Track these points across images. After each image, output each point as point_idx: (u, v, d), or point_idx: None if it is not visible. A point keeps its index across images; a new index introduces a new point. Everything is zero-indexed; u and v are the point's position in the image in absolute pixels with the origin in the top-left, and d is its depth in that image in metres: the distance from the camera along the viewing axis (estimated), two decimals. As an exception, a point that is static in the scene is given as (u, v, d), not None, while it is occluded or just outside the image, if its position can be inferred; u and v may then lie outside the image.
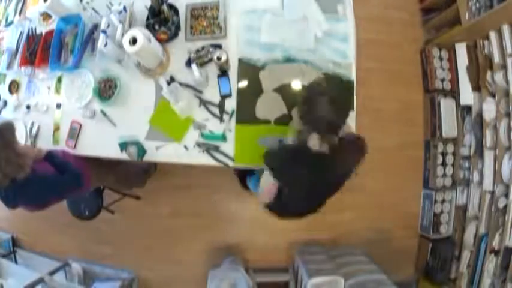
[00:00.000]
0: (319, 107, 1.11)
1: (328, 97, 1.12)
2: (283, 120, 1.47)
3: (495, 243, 1.98)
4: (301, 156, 1.18)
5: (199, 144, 1.50)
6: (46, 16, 1.77)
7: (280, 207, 1.31)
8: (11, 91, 1.80)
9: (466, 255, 2.18)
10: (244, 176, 2.16)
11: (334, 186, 1.24)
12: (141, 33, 1.35)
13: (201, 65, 1.50)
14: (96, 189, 2.04)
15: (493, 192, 2.02)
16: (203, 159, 1.50)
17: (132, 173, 2.07)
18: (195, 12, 1.59)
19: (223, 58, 1.40)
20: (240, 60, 1.51)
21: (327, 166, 1.16)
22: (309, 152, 1.14)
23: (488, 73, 2.10)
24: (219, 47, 1.51)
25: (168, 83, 1.48)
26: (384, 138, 2.48)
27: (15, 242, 2.70)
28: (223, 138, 1.48)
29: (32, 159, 1.32)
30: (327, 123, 1.12)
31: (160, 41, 1.51)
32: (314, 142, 1.14)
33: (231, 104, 1.50)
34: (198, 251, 2.47)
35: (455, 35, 2.29)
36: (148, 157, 1.54)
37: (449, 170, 2.35)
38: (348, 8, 1.53)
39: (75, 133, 1.62)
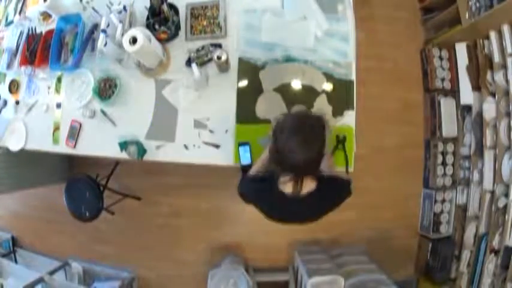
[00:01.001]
0: (286, 147, 0.94)
1: (299, 136, 0.93)
2: (283, 120, 1.47)
3: (495, 242, 1.98)
4: (268, 193, 1.08)
5: (199, 144, 1.50)
6: (46, 16, 1.77)
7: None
8: (11, 91, 1.80)
9: (466, 255, 2.18)
10: None
11: (303, 220, 1.19)
12: (141, 32, 1.35)
13: (201, 64, 1.50)
14: (96, 190, 2.04)
15: (493, 192, 2.02)
16: (203, 158, 1.50)
17: None
18: (195, 12, 1.59)
19: (223, 57, 1.39)
20: (240, 60, 1.51)
21: (295, 210, 1.08)
22: (277, 191, 1.04)
23: (488, 73, 2.09)
24: (219, 46, 1.51)
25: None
26: (384, 137, 2.48)
27: (15, 242, 2.71)
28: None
29: None
30: (296, 167, 0.97)
31: (160, 40, 1.51)
32: (283, 186, 1.03)
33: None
34: (198, 251, 2.48)
35: (455, 35, 2.29)
36: (148, 157, 1.54)
37: (449, 170, 2.35)
38: (348, 7, 1.53)
39: (75, 132, 1.63)
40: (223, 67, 1.48)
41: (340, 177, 1.19)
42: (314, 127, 0.98)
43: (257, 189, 1.15)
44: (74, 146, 1.63)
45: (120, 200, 2.35)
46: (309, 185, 1.04)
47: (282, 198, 1.05)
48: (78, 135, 1.63)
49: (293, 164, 0.96)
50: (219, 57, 1.40)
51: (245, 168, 1.44)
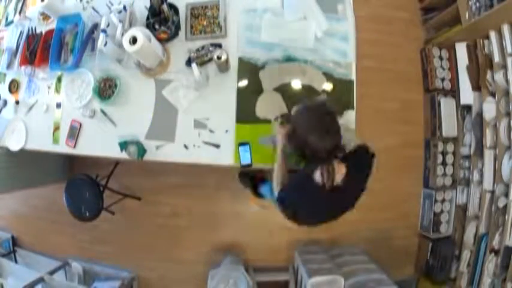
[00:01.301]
0: (311, 143, 0.99)
1: (318, 128, 1.00)
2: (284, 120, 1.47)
3: (495, 242, 1.98)
4: (311, 192, 1.10)
5: (199, 144, 1.50)
6: (46, 15, 1.77)
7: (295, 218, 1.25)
8: (11, 90, 1.80)
9: (466, 255, 2.18)
10: (256, 185, 2.18)
11: (350, 206, 1.22)
12: (141, 32, 1.35)
13: (201, 64, 1.51)
14: (96, 190, 2.04)
15: (493, 192, 2.02)
16: (203, 158, 1.50)
17: None
18: (195, 12, 1.59)
19: (223, 57, 1.39)
20: (240, 60, 1.52)
21: (339, 197, 1.11)
22: (316, 187, 1.07)
23: (489, 73, 2.10)
24: (219, 46, 1.51)
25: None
26: (384, 137, 2.48)
27: (15, 242, 2.71)
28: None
29: None
30: (325, 154, 1.01)
31: (160, 40, 1.51)
32: (320, 178, 1.05)
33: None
34: (198, 250, 2.47)
35: (455, 35, 2.29)
36: (148, 157, 1.54)
37: (449, 170, 2.35)
38: (348, 7, 1.53)
39: (75, 132, 1.63)
40: (223, 67, 1.48)
41: (357, 146, 1.21)
42: (326, 113, 1.04)
43: (299, 195, 1.15)
44: (74, 146, 1.63)
45: (120, 200, 2.35)
46: (340, 170, 1.06)
47: (324, 194, 1.07)
48: (78, 135, 1.63)
49: (321, 153, 1.00)
50: (219, 57, 1.40)
51: (245, 167, 1.44)
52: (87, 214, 2.01)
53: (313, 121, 1.03)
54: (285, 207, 1.20)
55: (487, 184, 2.05)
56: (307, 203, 1.14)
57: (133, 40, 1.35)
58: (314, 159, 1.05)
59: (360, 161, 1.17)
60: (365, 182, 1.19)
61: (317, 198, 1.11)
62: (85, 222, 2.04)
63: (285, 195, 1.19)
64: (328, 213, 1.22)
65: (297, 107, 1.12)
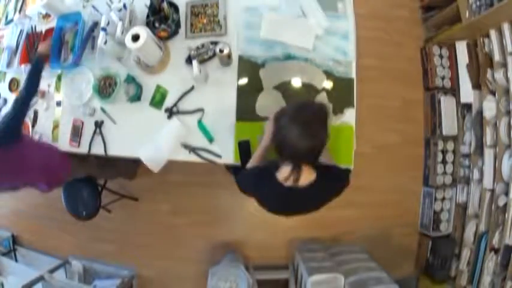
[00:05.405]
0: (288, 135, 0.95)
1: (302, 124, 0.94)
2: (284, 118, 1.47)
3: (495, 241, 1.98)
4: (267, 184, 1.09)
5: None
6: (46, 14, 1.77)
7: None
8: (11, 89, 1.80)
9: (466, 253, 2.18)
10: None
11: (304, 210, 1.17)
12: (144, 29, 1.35)
13: (201, 62, 1.50)
14: (94, 189, 2.03)
15: (493, 190, 2.02)
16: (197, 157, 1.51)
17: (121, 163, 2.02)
18: (195, 10, 1.59)
19: (226, 51, 1.39)
20: (240, 58, 1.51)
21: (295, 201, 1.08)
22: (276, 182, 1.05)
23: (489, 71, 2.10)
24: (219, 44, 1.51)
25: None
26: (384, 135, 2.48)
27: (15, 240, 2.71)
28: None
29: None
30: (297, 154, 0.98)
31: (160, 38, 1.51)
32: (282, 176, 1.03)
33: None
34: (198, 248, 2.48)
35: (455, 33, 2.29)
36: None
37: (449, 168, 2.35)
38: (348, 5, 1.53)
39: (78, 132, 1.62)
40: (225, 61, 1.47)
41: (338, 167, 1.20)
42: (316, 114, 0.99)
43: (256, 181, 1.15)
44: (78, 146, 1.62)
45: (117, 200, 2.34)
46: (307, 176, 1.04)
47: (282, 189, 1.05)
48: (81, 135, 1.62)
49: (294, 151, 0.96)
50: (221, 50, 1.40)
51: (244, 164, 1.44)
52: (84, 213, 2.01)
53: (300, 118, 0.96)
54: (241, 189, 1.21)
55: (487, 183, 2.06)
56: (261, 191, 1.13)
57: (135, 38, 1.35)
58: (288, 157, 1.01)
59: (334, 179, 1.14)
60: (325, 201, 1.13)
61: (271, 191, 1.09)
62: (83, 221, 2.04)
63: (241, 179, 1.20)
64: (279, 208, 1.19)
65: (292, 104, 1.08)
